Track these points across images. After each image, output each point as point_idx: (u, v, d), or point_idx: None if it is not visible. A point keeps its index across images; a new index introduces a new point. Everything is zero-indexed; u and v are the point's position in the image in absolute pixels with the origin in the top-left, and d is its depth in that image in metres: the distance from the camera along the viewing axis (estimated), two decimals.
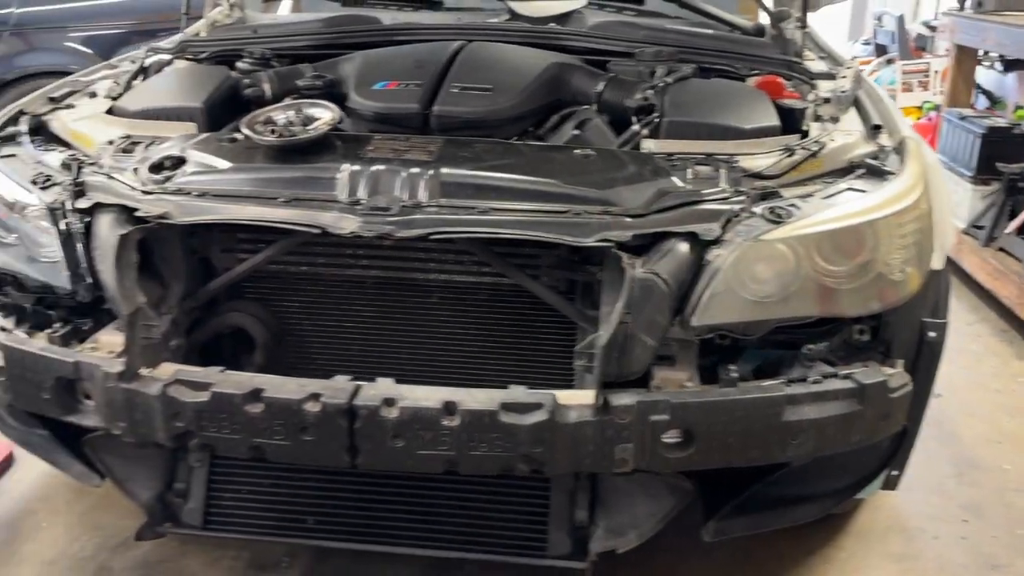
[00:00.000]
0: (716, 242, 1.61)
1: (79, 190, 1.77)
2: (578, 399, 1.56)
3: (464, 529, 1.80)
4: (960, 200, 4.35)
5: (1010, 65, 5.29)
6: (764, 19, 3.27)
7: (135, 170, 1.78)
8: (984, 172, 4.16)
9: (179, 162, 1.79)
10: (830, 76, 2.45)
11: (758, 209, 1.66)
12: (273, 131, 1.80)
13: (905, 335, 1.81)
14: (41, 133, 2.14)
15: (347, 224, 1.61)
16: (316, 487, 1.85)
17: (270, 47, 2.45)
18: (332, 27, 2.57)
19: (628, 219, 1.61)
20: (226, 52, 2.49)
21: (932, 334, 1.84)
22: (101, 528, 2.38)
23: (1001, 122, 4.17)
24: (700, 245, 1.61)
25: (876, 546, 2.34)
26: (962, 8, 4.49)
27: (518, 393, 1.55)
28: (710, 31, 2.69)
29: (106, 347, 1.74)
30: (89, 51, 5.13)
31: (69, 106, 2.21)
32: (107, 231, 1.69)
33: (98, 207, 1.74)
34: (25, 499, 2.54)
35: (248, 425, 1.55)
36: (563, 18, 2.84)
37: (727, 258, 1.58)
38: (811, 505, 1.88)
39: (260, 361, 1.84)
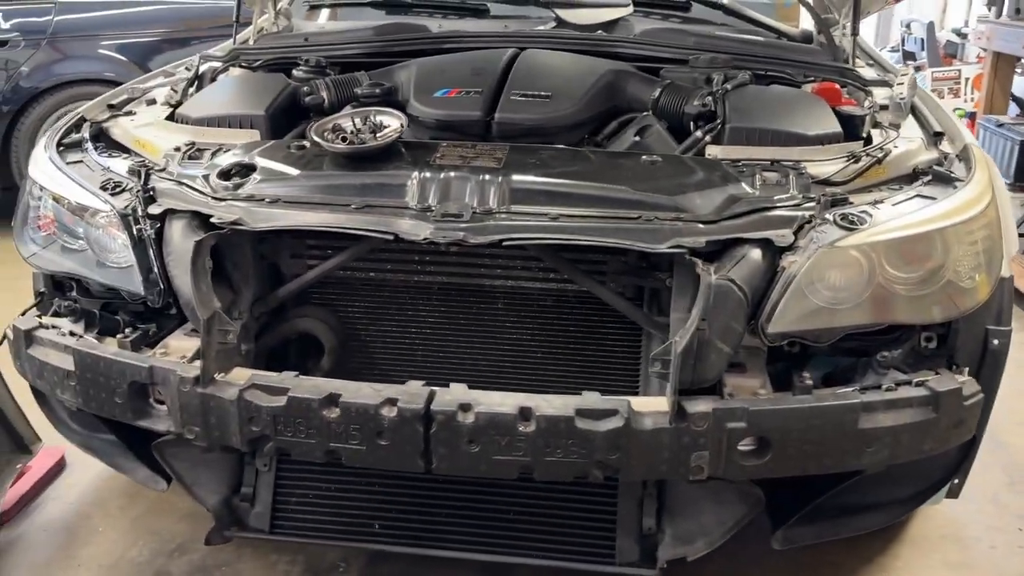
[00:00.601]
0: (789, 248, 1.61)
1: (149, 196, 1.79)
2: (652, 406, 1.56)
3: (531, 535, 1.80)
4: None
5: None
6: (805, 24, 3.28)
7: (205, 177, 1.79)
8: (1023, 179, 4.14)
9: (248, 169, 1.80)
10: (884, 83, 2.45)
11: (830, 216, 1.65)
12: (344, 138, 1.81)
13: (970, 343, 1.80)
14: (102, 139, 2.17)
15: (420, 231, 1.62)
16: (382, 491, 1.86)
17: (322, 55, 2.47)
18: (382, 35, 2.59)
19: (701, 225, 1.62)
20: (280, 60, 2.51)
21: (996, 342, 1.83)
22: (157, 533, 2.39)
23: None
24: (773, 251, 1.61)
25: (932, 555, 2.32)
26: (999, 15, 4.47)
27: (593, 399, 1.55)
28: (760, 38, 2.69)
29: (176, 352, 1.76)
30: (123, 58, 5.18)
31: (129, 113, 2.23)
32: (180, 237, 1.71)
33: (170, 213, 1.75)
34: (80, 503, 2.55)
35: (324, 429, 1.56)
36: (610, 25, 2.84)
37: (802, 265, 1.58)
38: (879, 514, 1.87)
39: (327, 366, 1.85)
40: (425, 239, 1.61)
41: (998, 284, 1.80)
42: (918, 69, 6.86)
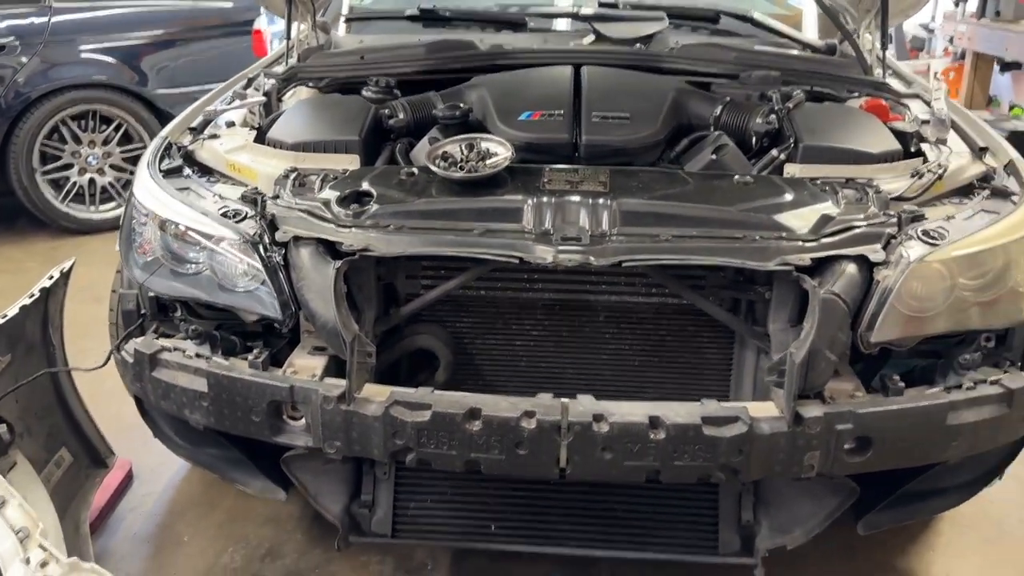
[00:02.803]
0: (882, 263, 1.77)
1: (272, 223, 1.88)
2: (765, 411, 1.71)
3: (639, 531, 1.95)
4: None
5: (1006, 66, 5.58)
6: (807, 31, 3.43)
7: (326, 204, 1.88)
8: None
9: (366, 195, 1.90)
10: (915, 95, 2.63)
11: (912, 231, 1.82)
12: (460, 166, 1.92)
13: (1021, 339, 1.99)
14: (189, 162, 2.23)
15: (546, 254, 1.74)
16: (496, 494, 1.98)
17: (382, 73, 2.56)
18: (435, 53, 2.68)
19: (803, 243, 1.77)
20: (346, 80, 2.60)
21: None
22: (243, 539, 2.48)
23: (1021, 127, 4.41)
24: (867, 266, 1.77)
25: (970, 532, 2.53)
26: (981, 14, 4.72)
27: (714, 407, 1.70)
28: (795, 52, 2.85)
29: (304, 370, 1.85)
30: (113, 60, 5.16)
31: (214, 136, 2.30)
32: (311, 263, 1.80)
33: (295, 239, 1.84)
34: (158, 513, 2.62)
35: (466, 441, 1.68)
36: (647, 39, 2.98)
37: (896, 279, 1.74)
38: (947, 498, 2.06)
39: (442, 379, 1.96)
40: (552, 262, 1.73)
41: None
42: None
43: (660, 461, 1.67)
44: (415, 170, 1.99)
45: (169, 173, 2.12)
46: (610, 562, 2.23)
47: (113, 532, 2.54)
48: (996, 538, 2.52)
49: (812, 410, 1.68)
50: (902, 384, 1.78)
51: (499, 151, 1.97)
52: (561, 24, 3.14)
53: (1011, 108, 6.21)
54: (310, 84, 2.62)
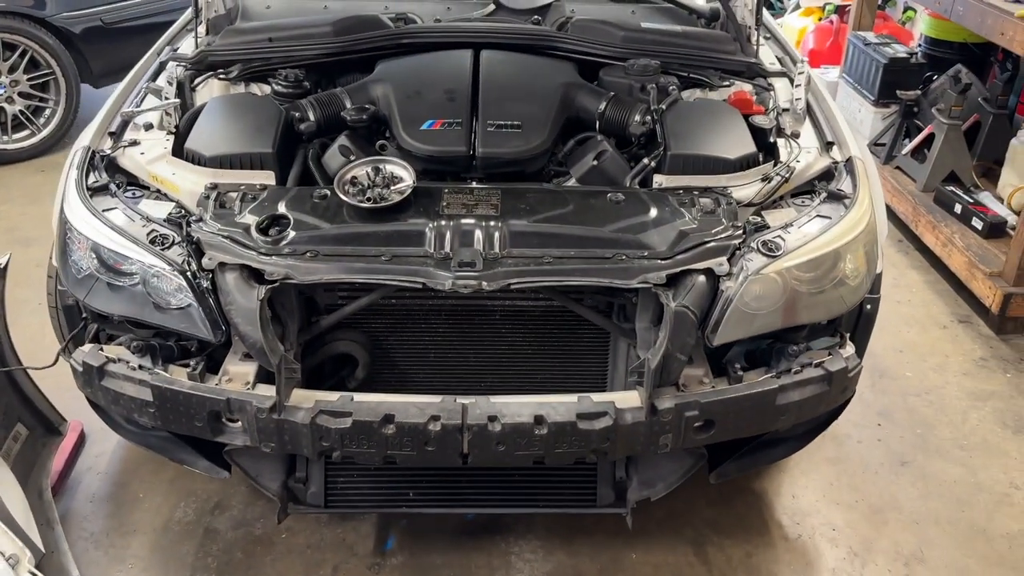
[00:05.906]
0: (726, 275, 2.10)
1: (198, 248, 2.09)
2: (629, 401, 2.08)
3: (533, 491, 2.35)
4: (863, 119, 4.95)
5: None
6: None
7: (247, 230, 2.10)
8: (885, 96, 4.75)
9: (282, 219, 2.12)
10: (784, 74, 2.91)
11: (754, 243, 2.14)
12: (365, 195, 2.14)
13: (847, 317, 2.39)
14: (112, 169, 2.39)
15: (444, 281, 2.00)
16: (413, 468, 2.34)
17: (287, 55, 2.72)
18: (342, 35, 2.80)
19: (661, 262, 2.07)
20: (254, 70, 2.74)
21: (868, 307, 2.43)
22: (194, 494, 2.81)
23: (902, 52, 4.71)
24: (715, 276, 2.10)
25: (816, 453, 3.02)
26: None
27: (588, 403, 2.05)
28: (678, 27, 3.06)
29: (238, 378, 2.13)
30: None
31: (134, 142, 2.45)
32: (237, 290, 2.02)
33: (222, 265, 2.07)
34: (113, 472, 2.92)
35: (382, 442, 2.01)
36: (544, 9, 3.16)
37: (736, 289, 2.08)
38: (784, 448, 2.51)
39: (362, 376, 2.27)
40: (449, 289, 2.01)
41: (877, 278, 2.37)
42: None
43: (544, 450, 2.04)
44: (327, 192, 2.21)
45: (96, 192, 2.28)
46: (513, 517, 2.63)
47: (73, 494, 2.83)
48: (837, 458, 3.01)
49: (666, 401, 2.05)
50: (741, 372, 2.16)
51: (403, 176, 2.20)
52: None
53: (905, 11, 6.49)
54: (221, 76, 2.74)
